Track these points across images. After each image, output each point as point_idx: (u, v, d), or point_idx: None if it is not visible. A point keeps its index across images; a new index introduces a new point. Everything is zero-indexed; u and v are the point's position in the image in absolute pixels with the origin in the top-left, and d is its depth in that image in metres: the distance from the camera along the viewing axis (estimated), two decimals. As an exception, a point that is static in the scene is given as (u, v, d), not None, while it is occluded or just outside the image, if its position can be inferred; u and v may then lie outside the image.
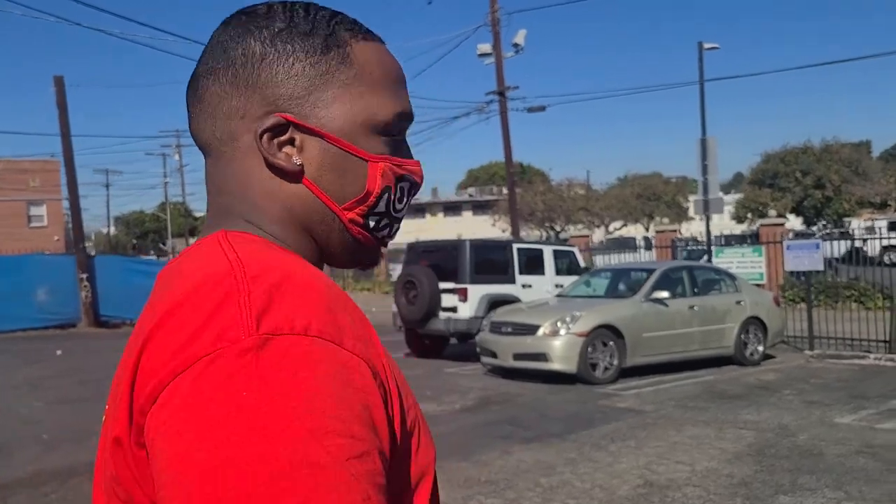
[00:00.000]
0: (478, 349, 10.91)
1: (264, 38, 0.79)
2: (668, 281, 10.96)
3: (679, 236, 23.80)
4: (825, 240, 19.99)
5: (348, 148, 0.79)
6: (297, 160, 0.78)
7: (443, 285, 12.24)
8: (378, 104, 0.81)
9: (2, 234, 39.35)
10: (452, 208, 59.60)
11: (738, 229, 41.12)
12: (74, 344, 16.30)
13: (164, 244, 66.53)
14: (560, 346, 9.71)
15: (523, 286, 12.77)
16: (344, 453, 0.59)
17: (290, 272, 0.70)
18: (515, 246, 13.07)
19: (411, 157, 0.85)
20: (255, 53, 0.78)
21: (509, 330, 10.25)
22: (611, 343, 9.98)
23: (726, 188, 75.96)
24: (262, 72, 0.78)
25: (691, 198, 25.11)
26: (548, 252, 13.45)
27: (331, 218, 0.81)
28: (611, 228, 45.61)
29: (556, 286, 12.88)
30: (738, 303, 11.43)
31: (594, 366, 9.85)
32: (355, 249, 0.85)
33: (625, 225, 46.49)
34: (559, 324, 9.82)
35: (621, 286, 11.33)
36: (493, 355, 10.41)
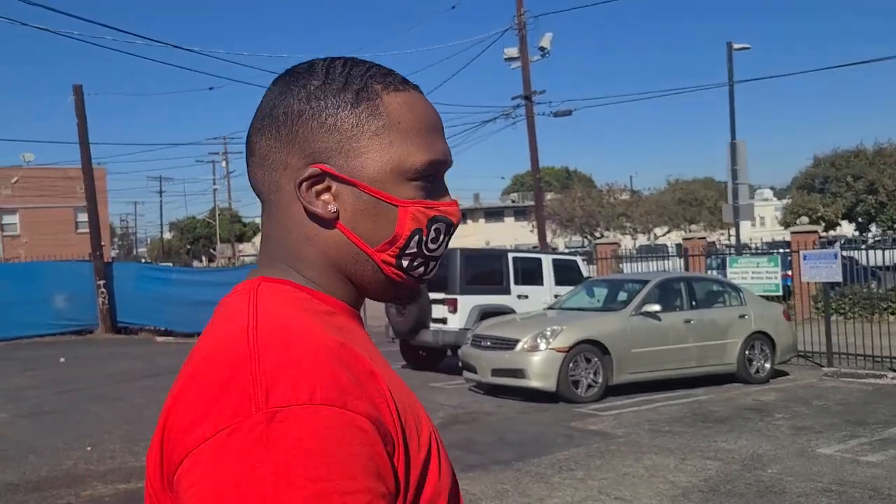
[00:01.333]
0: (459, 363, 10.45)
1: (301, 96, 0.85)
2: (663, 293, 10.32)
3: (717, 244, 22.88)
4: (872, 248, 18.89)
5: (379, 195, 0.84)
6: (332, 207, 0.84)
7: (434, 295, 11.82)
8: (408, 152, 0.85)
9: (50, 240, 40.40)
10: (494, 214, 59.01)
11: (785, 235, 39.63)
12: (84, 350, 16.36)
13: (214, 249, 67.59)
14: (538, 362, 9.18)
15: (519, 297, 12.24)
16: None
17: (298, 337, 0.75)
18: (511, 255, 12.56)
19: (447, 198, 0.90)
20: (293, 111, 0.85)
21: (488, 344, 9.76)
22: (595, 359, 9.40)
23: (781, 194, 73.60)
24: (300, 127, 0.84)
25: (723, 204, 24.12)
26: (547, 262, 12.89)
27: (364, 259, 0.87)
28: (654, 235, 44.50)
29: (556, 297, 12.32)
30: (742, 317, 10.71)
31: (576, 383, 9.29)
32: (389, 287, 0.90)
33: (670, 231, 45.31)
34: (539, 339, 9.29)
35: (614, 298, 10.72)
36: (474, 370, 9.93)
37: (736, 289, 11.18)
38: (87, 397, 10.26)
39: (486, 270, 12.20)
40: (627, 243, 35.61)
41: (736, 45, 20.85)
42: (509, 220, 57.08)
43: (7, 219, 44.93)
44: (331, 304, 0.86)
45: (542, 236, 24.85)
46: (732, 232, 41.51)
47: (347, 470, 0.67)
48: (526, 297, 12.28)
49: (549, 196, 54.35)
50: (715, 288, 11.24)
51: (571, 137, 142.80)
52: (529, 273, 12.59)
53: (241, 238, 67.99)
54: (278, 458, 0.66)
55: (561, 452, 6.89)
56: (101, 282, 19.07)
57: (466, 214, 60.26)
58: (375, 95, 0.85)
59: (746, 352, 10.61)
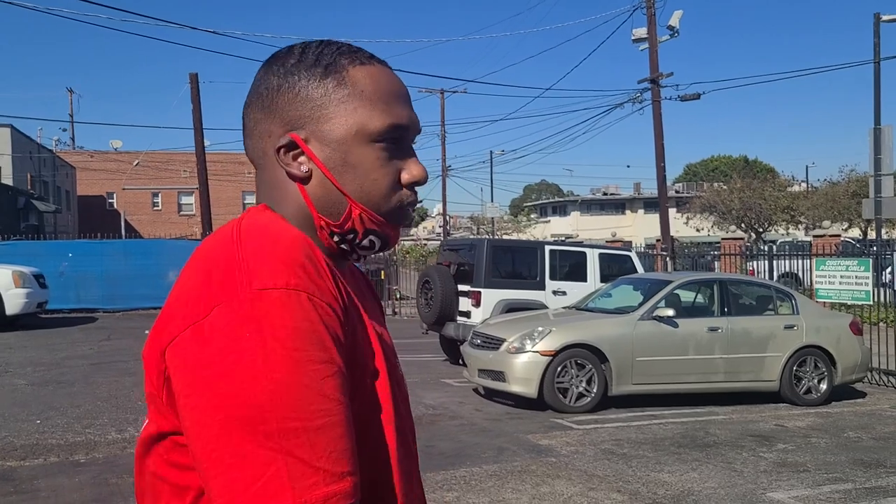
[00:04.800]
0: (460, 361, 9.83)
1: (280, 73, 0.99)
2: (685, 297, 9.11)
3: (842, 241, 20.33)
4: None
5: (334, 182, 0.97)
6: (304, 168, 0.97)
7: (461, 287, 11.25)
8: (370, 116, 0.96)
9: (220, 220, 43.26)
10: (654, 205, 56.02)
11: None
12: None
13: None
14: (519, 365, 8.38)
15: (555, 293, 11.36)
16: (320, 375, 0.82)
17: (276, 238, 0.90)
18: (548, 248, 11.65)
19: (412, 161, 1.00)
20: (273, 86, 0.98)
21: (479, 342, 9.07)
22: (589, 366, 8.45)
23: None
24: (279, 99, 0.98)
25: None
26: (592, 256, 11.85)
27: (312, 221, 0.99)
28: (828, 230, 40.31)
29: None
30: (791, 327, 9.22)
31: (565, 391, 8.40)
32: (329, 248, 1.01)
33: (849, 228, 40.91)
34: (525, 340, 8.49)
35: (636, 299, 9.59)
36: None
37: (788, 295, 9.63)
38: (109, 370, 10.69)
39: (517, 263, 11.44)
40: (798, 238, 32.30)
41: (885, 17, 18.18)
42: (671, 211, 54.09)
43: (185, 199, 48.97)
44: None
45: (664, 230, 23.61)
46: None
47: (318, 343, 0.82)
48: (564, 293, 11.37)
49: (716, 186, 50.95)
50: (758, 293, 9.76)
51: (751, 125, 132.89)
52: (571, 268, 11.65)
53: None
54: (265, 331, 0.80)
55: (465, 469, 6.17)
56: (210, 260, 20.10)
57: (625, 204, 57.83)
58: (342, 69, 0.96)
59: (794, 368, 9.14)
